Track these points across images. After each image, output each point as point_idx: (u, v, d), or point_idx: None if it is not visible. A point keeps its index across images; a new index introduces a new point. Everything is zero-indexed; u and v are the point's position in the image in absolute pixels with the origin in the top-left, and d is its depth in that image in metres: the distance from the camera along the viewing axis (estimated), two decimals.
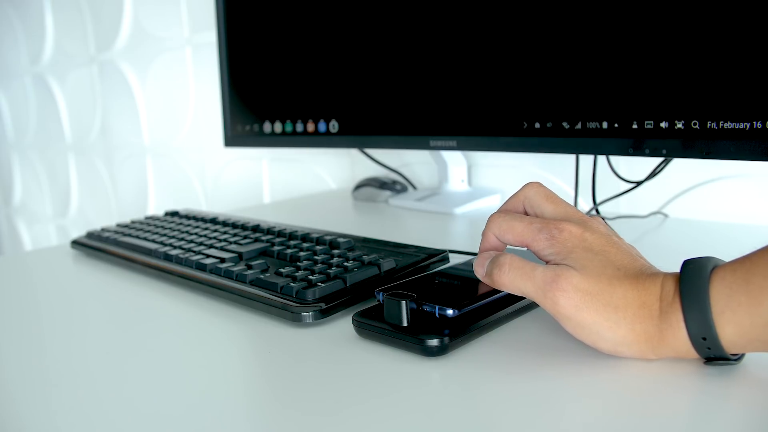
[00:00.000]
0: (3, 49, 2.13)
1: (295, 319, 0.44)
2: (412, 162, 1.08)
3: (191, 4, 1.40)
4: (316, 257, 0.53)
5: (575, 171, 0.75)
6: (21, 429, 0.32)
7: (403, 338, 0.38)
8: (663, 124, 0.57)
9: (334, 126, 0.87)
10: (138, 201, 1.73)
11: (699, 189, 0.76)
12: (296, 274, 0.49)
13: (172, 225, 0.71)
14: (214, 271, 0.53)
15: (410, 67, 0.77)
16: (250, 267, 0.52)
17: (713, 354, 0.33)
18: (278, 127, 0.94)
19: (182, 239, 0.64)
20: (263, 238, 0.61)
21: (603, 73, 0.60)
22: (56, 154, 2.01)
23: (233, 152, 1.41)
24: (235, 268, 0.51)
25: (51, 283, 0.61)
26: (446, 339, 0.37)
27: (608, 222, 0.69)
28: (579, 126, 0.63)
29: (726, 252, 0.37)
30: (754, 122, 0.51)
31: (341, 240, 0.57)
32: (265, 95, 0.95)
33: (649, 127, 0.58)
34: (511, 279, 0.37)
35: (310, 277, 0.47)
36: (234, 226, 0.68)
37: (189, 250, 0.59)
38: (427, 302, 0.40)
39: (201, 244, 0.61)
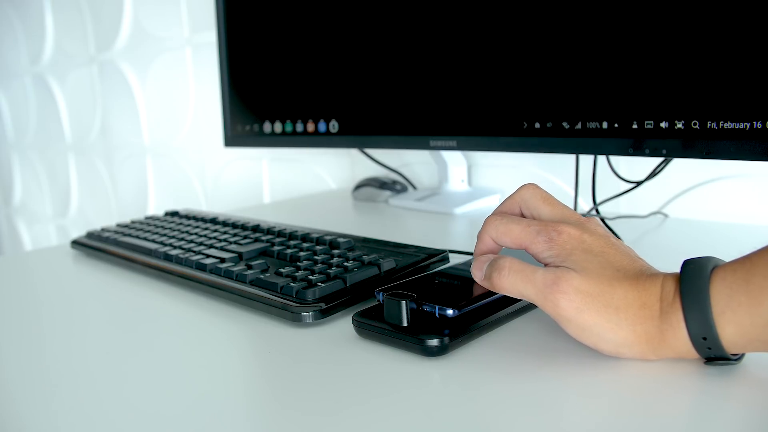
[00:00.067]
0: (3, 49, 2.13)
1: (295, 319, 0.44)
2: (412, 162, 1.08)
3: (191, 4, 1.40)
4: (316, 257, 0.53)
5: (575, 171, 0.75)
6: (21, 429, 0.32)
7: (403, 338, 0.38)
8: (663, 124, 0.57)
9: (334, 126, 0.87)
10: (138, 201, 1.73)
11: (699, 189, 0.76)
12: (296, 274, 0.49)
13: (172, 225, 0.71)
14: (214, 271, 0.53)
15: (410, 67, 0.77)
16: (250, 267, 0.52)
17: (714, 354, 0.33)
18: (278, 127, 0.94)
19: (182, 239, 0.64)
20: (263, 238, 0.61)
21: (603, 73, 0.60)
22: (56, 154, 2.01)
23: (233, 152, 1.41)
24: (235, 268, 0.51)
25: (51, 283, 0.61)
26: (446, 339, 0.37)
27: (608, 222, 0.69)
28: (579, 126, 0.63)
29: (726, 252, 0.37)
30: (754, 122, 0.51)
31: (341, 240, 0.57)
32: (265, 95, 0.95)
33: (649, 127, 0.58)
34: (511, 282, 0.37)
35: (310, 277, 0.47)
36: (234, 226, 0.68)
37: (189, 250, 0.59)
38: (427, 302, 0.40)
39: (201, 244, 0.61)
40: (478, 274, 0.39)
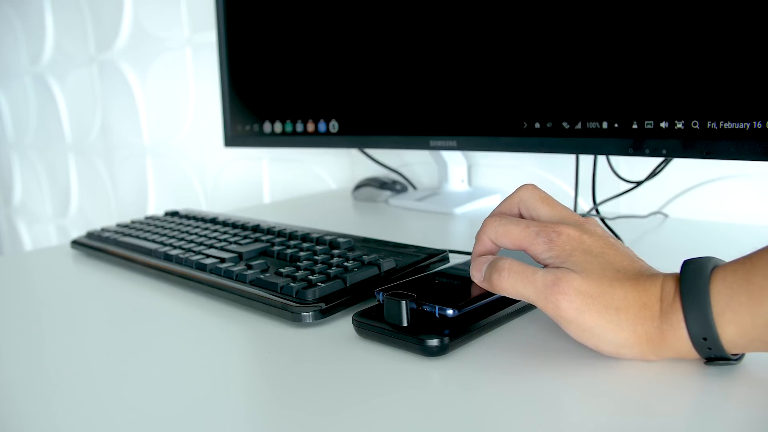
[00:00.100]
0: (3, 49, 2.13)
1: (295, 319, 0.44)
2: (412, 162, 1.08)
3: (191, 4, 1.40)
4: (316, 257, 0.53)
5: (575, 171, 0.75)
6: (21, 429, 0.32)
7: (403, 338, 0.38)
8: (663, 124, 0.57)
9: (334, 126, 0.87)
10: (138, 201, 1.73)
11: (699, 189, 0.76)
12: (296, 274, 0.49)
13: (172, 225, 0.71)
14: (214, 271, 0.53)
15: (410, 67, 0.77)
16: (250, 267, 0.52)
17: (714, 354, 0.33)
18: (278, 127, 0.94)
19: (182, 239, 0.64)
20: (263, 238, 0.61)
21: (603, 73, 0.60)
22: (56, 154, 2.01)
23: (233, 152, 1.41)
24: (235, 268, 0.51)
25: (51, 283, 0.61)
26: (446, 339, 0.37)
27: (608, 222, 0.69)
28: (579, 126, 0.63)
29: (726, 252, 0.37)
30: (754, 122, 0.51)
31: (341, 240, 0.57)
32: (265, 95, 0.95)
33: (649, 127, 0.58)
34: (511, 283, 0.37)
35: (310, 277, 0.47)
36: (234, 226, 0.68)
37: (189, 250, 0.59)
38: (427, 302, 0.40)
39: (201, 244, 0.61)
40: (477, 276, 0.39)
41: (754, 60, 0.51)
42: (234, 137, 1.00)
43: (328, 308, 0.44)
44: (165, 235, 0.66)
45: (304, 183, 1.29)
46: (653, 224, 0.74)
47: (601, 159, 0.77)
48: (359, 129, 0.85)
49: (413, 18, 0.75)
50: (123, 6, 1.58)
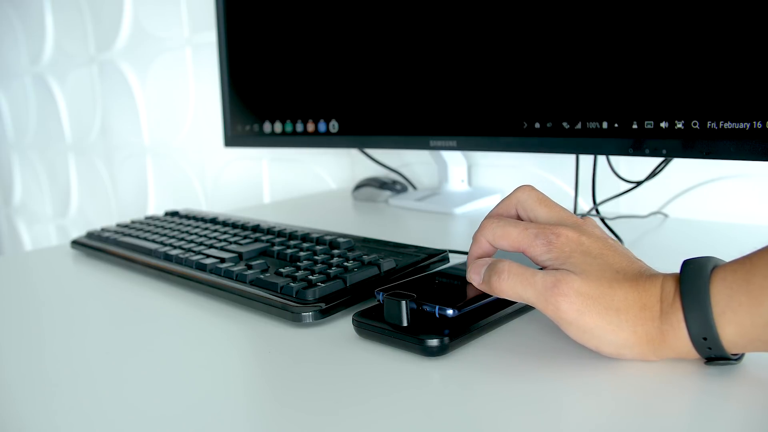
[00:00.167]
0: (3, 49, 2.13)
1: (295, 319, 0.44)
2: (412, 162, 1.08)
3: (191, 4, 1.40)
4: (316, 257, 0.53)
5: (575, 171, 0.75)
6: (21, 429, 0.32)
7: (403, 338, 0.38)
8: (663, 124, 0.57)
9: (334, 126, 0.87)
10: (138, 201, 1.73)
11: (699, 189, 0.76)
12: (296, 274, 0.49)
13: (172, 225, 0.71)
14: (214, 271, 0.53)
15: (410, 67, 0.77)
16: (250, 267, 0.52)
17: (714, 354, 0.33)
18: (278, 127, 0.94)
19: (182, 239, 0.64)
20: (263, 238, 0.61)
21: (603, 73, 0.60)
22: (56, 154, 2.01)
23: (233, 152, 1.41)
24: (235, 268, 0.51)
25: (51, 283, 0.61)
26: (446, 339, 0.37)
27: (608, 222, 0.69)
28: (579, 126, 0.63)
29: (726, 252, 0.37)
30: (754, 122, 0.51)
31: (341, 240, 0.57)
32: (265, 95, 0.95)
33: (649, 127, 0.58)
34: (511, 286, 0.37)
35: (310, 277, 0.47)
36: (234, 226, 0.68)
37: (189, 250, 0.59)
38: (427, 302, 0.40)
39: (201, 244, 0.61)
40: (476, 278, 0.39)
41: (753, 60, 0.51)
42: (234, 137, 1.00)
43: (328, 308, 0.44)
44: (165, 235, 0.66)
45: (304, 183, 1.29)
46: (653, 224, 0.74)
47: (601, 159, 0.77)
48: (359, 129, 0.85)
49: (413, 18, 0.75)
50: (123, 6, 1.58)
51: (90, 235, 0.71)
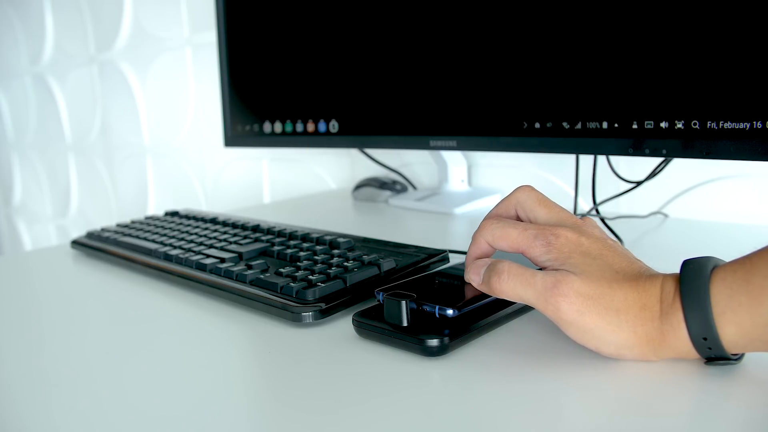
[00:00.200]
0: (3, 49, 2.13)
1: (295, 319, 0.44)
2: (412, 162, 1.08)
3: (191, 4, 1.40)
4: (316, 257, 0.53)
5: (575, 171, 0.75)
6: (21, 429, 0.32)
7: (403, 338, 0.38)
8: (663, 124, 0.57)
9: (334, 126, 0.87)
10: (138, 201, 1.73)
11: (699, 189, 0.76)
12: (296, 274, 0.49)
13: (172, 225, 0.71)
14: (214, 271, 0.53)
15: (410, 67, 0.77)
16: (250, 267, 0.52)
17: (714, 354, 0.33)
18: (278, 127, 0.94)
19: (182, 239, 0.64)
20: (263, 238, 0.61)
21: (603, 73, 0.60)
22: (56, 154, 2.01)
23: (233, 152, 1.41)
24: (235, 268, 0.51)
25: (51, 283, 0.61)
26: (446, 339, 0.37)
27: (608, 222, 0.69)
28: (579, 126, 0.63)
29: (726, 252, 0.37)
30: (754, 122, 0.51)
31: (341, 240, 0.57)
32: (265, 95, 0.95)
33: (649, 127, 0.58)
34: (511, 286, 0.37)
35: (310, 277, 0.47)
36: (234, 226, 0.68)
37: (189, 250, 0.59)
38: (427, 302, 0.40)
39: (201, 244, 0.61)
40: (475, 279, 0.39)
41: (753, 60, 0.51)
42: (234, 137, 1.00)
43: (328, 308, 0.44)
44: (165, 235, 0.66)
45: (304, 183, 1.29)
46: (653, 224, 0.74)
47: (601, 159, 0.77)
48: (359, 129, 0.85)
49: (413, 18, 0.75)
50: (123, 6, 1.58)
51: (90, 235, 0.71)
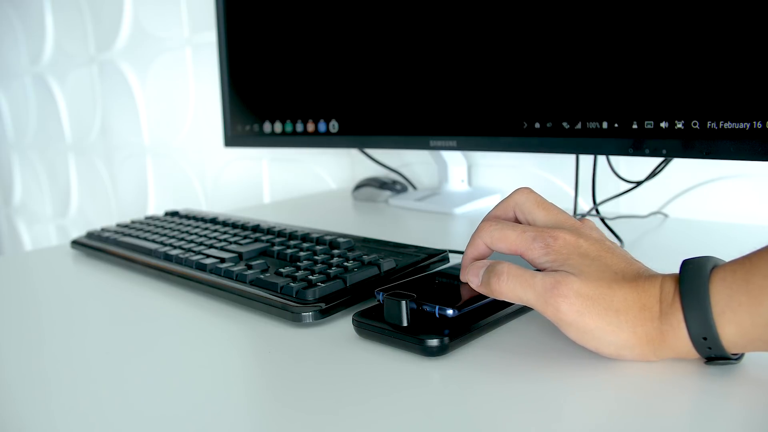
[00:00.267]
0: (3, 49, 2.13)
1: (295, 319, 0.44)
2: (412, 162, 1.08)
3: (191, 4, 1.40)
4: (316, 257, 0.53)
5: (575, 171, 0.75)
6: (21, 429, 0.32)
7: (403, 338, 0.38)
8: (663, 124, 0.57)
9: (334, 126, 0.87)
10: (138, 201, 1.73)
11: (699, 189, 0.76)
12: (296, 274, 0.49)
13: (172, 225, 0.71)
14: (214, 271, 0.53)
15: (410, 67, 0.77)
16: (250, 267, 0.52)
17: (714, 354, 0.33)
18: (278, 127, 0.94)
19: (182, 239, 0.64)
20: (263, 238, 0.61)
21: (603, 73, 0.60)
22: (56, 154, 2.01)
23: (233, 152, 1.41)
24: (235, 268, 0.51)
25: (51, 283, 0.61)
26: (446, 339, 0.37)
27: (608, 222, 0.69)
28: (579, 126, 0.63)
29: (726, 252, 0.37)
30: (754, 122, 0.51)
31: (341, 240, 0.57)
32: (265, 95, 0.95)
33: (649, 127, 0.58)
34: (510, 288, 0.37)
35: (310, 277, 0.47)
36: (234, 226, 0.68)
37: (189, 250, 0.59)
38: (427, 302, 0.40)
39: (201, 244, 0.61)
40: (474, 281, 0.39)
41: (753, 60, 0.51)
42: (234, 137, 1.00)
43: (328, 308, 0.44)
44: (165, 235, 0.66)
45: (304, 183, 1.29)
46: (653, 224, 0.74)
47: (601, 159, 0.77)
48: (359, 129, 0.85)
49: (413, 18, 0.75)
50: (123, 6, 1.58)
51: (90, 235, 0.71)
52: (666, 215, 0.78)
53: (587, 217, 0.42)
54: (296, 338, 0.42)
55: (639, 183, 0.74)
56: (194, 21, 1.41)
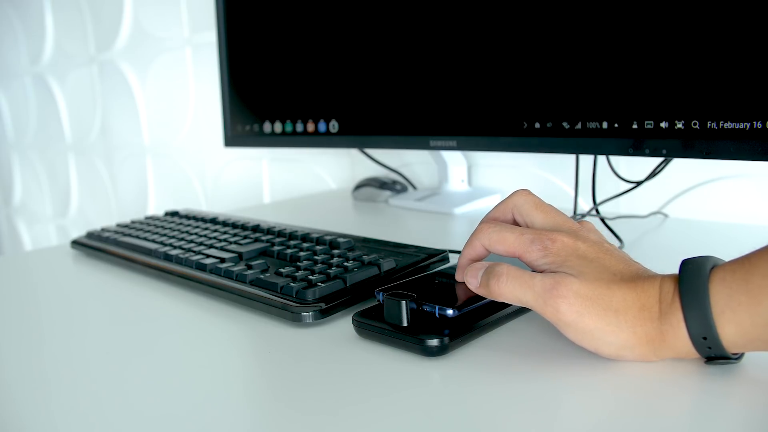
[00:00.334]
0: (3, 49, 2.13)
1: (295, 319, 0.44)
2: (412, 162, 1.08)
3: (191, 4, 1.40)
4: (316, 257, 0.53)
5: (575, 171, 0.75)
6: (21, 429, 0.32)
7: (403, 338, 0.38)
8: (663, 124, 0.57)
9: (334, 126, 0.87)
10: (138, 201, 1.73)
11: (699, 189, 0.76)
12: (296, 274, 0.49)
13: (172, 225, 0.71)
14: (214, 271, 0.53)
15: (410, 67, 0.77)
16: (250, 267, 0.52)
17: (714, 353, 0.33)
18: (278, 127, 0.94)
19: (182, 239, 0.64)
20: (263, 238, 0.61)
21: (603, 73, 0.60)
22: (56, 154, 2.01)
23: (233, 152, 1.41)
24: (235, 268, 0.51)
25: (51, 283, 0.61)
26: (446, 339, 0.37)
27: (608, 222, 0.69)
28: (579, 126, 0.63)
29: (726, 252, 0.37)
30: (754, 122, 0.51)
31: (341, 240, 0.57)
32: (265, 95, 0.95)
33: (649, 127, 0.58)
34: (510, 289, 0.37)
35: (310, 277, 0.47)
36: (234, 226, 0.68)
37: (189, 250, 0.59)
38: (427, 302, 0.40)
39: (201, 244, 0.61)
40: (473, 282, 0.39)
41: (753, 60, 0.51)
42: (234, 137, 1.00)
43: (328, 308, 0.44)
44: (165, 235, 0.66)
45: (304, 183, 1.29)
46: (653, 224, 0.74)
47: (601, 159, 0.77)
48: (359, 129, 0.85)
49: (413, 18, 0.75)
50: (123, 6, 1.58)
51: (90, 235, 0.71)
52: (666, 215, 0.78)
53: (586, 219, 0.42)
54: (296, 338, 0.42)
55: (639, 183, 0.74)
56: (194, 21, 1.41)
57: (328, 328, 0.44)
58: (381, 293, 0.42)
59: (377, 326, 0.40)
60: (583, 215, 0.74)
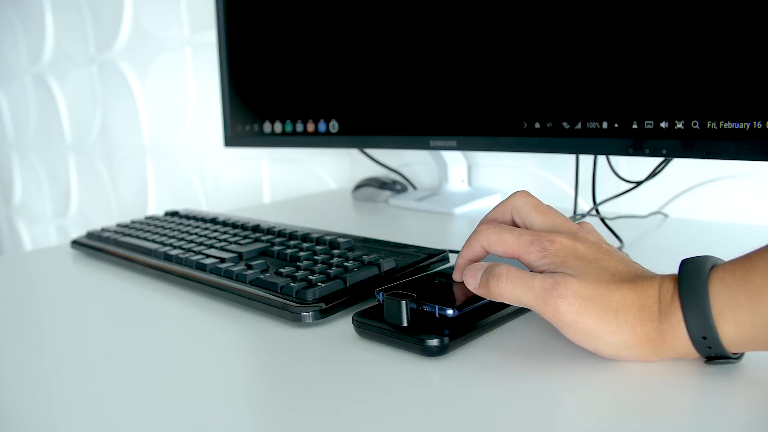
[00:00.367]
0: (3, 49, 2.13)
1: (295, 319, 0.44)
2: (412, 162, 1.08)
3: (191, 4, 1.40)
4: (316, 257, 0.53)
5: (575, 171, 0.75)
6: (21, 429, 0.32)
7: (403, 338, 0.38)
8: (663, 124, 0.57)
9: (334, 126, 0.87)
10: (138, 201, 1.73)
11: (699, 189, 0.76)
12: (296, 274, 0.49)
13: (172, 225, 0.71)
14: (214, 271, 0.53)
15: (410, 67, 0.77)
16: (250, 267, 0.52)
17: (714, 353, 0.33)
18: (278, 127, 0.94)
19: (182, 239, 0.64)
20: (263, 238, 0.61)
21: (603, 73, 0.60)
22: (56, 154, 2.01)
23: (233, 152, 1.41)
24: (235, 268, 0.51)
25: (51, 283, 0.61)
26: (446, 339, 0.37)
27: (608, 222, 0.69)
28: (579, 126, 0.63)
29: (726, 252, 0.37)
30: (754, 122, 0.51)
31: (341, 240, 0.57)
32: (265, 95, 0.95)
33: (649, 127, 0.58)
34: (509, 289, 0.37)
35: (310, 277, 0.47)
36: (234, 226, 0.68)
37: (189, 250, 0.59)
38: (427, 302, 0.40)
39: (201, 244, 0.61)
40: (472, 283, 0.39)
41: (753, 60, 0.51)
42: (234, 137, 1.00)
43: (328, 308, 0.44)
44: (165, 235, 0.66)
45: (304, 183, 1.29)
46: (653, 224, 0.74)
47: (601, 159, 0.77)
48: (359, 129, 0.85)
49: (413, 18, 0.75)
50: (123, 6, 1.58)
51: (90, 235, 0.71)
52: (666, 215, 0.78)
53: (586, 219, 0.42)
54: (296, 338, 0.42)
55: (639, 183, 0.74)
56: (194, 21, 1.41)
57: (328, 328, 0.44)
58: (381, 293, 0.42)
59: (377, 326, 0.40)
60: (583, 215, 0.74)
